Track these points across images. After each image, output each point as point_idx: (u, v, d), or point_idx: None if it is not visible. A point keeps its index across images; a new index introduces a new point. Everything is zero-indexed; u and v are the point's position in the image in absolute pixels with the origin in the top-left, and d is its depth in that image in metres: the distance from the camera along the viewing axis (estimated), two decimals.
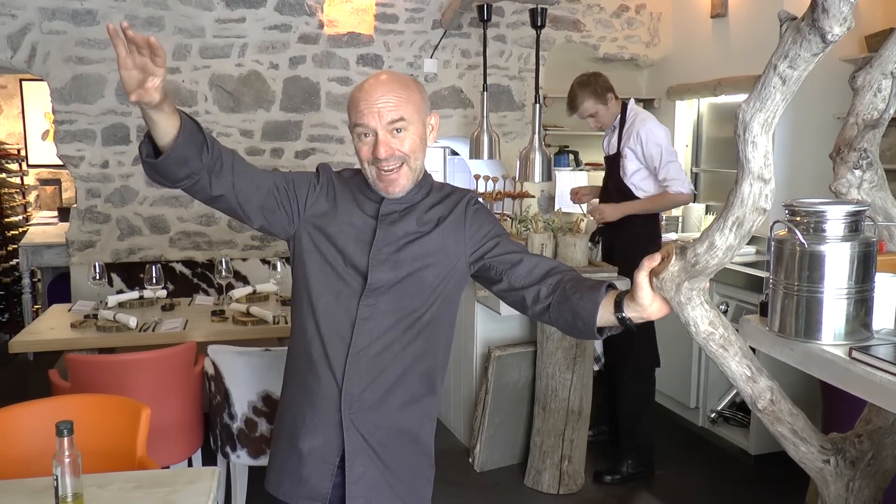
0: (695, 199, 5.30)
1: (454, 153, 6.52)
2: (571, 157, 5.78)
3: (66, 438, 1.55)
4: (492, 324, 3.90)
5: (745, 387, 1.51)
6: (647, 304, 1.46)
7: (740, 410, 4.17)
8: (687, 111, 5.34)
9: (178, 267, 4.68)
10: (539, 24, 3.99)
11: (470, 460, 3.84)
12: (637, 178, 3.70)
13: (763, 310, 1.56)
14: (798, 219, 1.41)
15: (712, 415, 4.20)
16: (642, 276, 1.45)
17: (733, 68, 4.66)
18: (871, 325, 1.39)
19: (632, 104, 3.76)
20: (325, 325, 1.67)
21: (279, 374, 2.95)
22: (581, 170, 5.78)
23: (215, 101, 4.69)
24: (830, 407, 2.93)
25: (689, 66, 5.20)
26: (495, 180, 4.54)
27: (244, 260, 4.75)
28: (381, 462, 1.70)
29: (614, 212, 3.72)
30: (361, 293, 1.65)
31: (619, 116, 3.74)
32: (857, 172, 1.61)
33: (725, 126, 5.16)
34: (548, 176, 4.22)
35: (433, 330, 1.72)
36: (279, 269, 3.78)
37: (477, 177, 4.76)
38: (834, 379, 1.31)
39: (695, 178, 5.33)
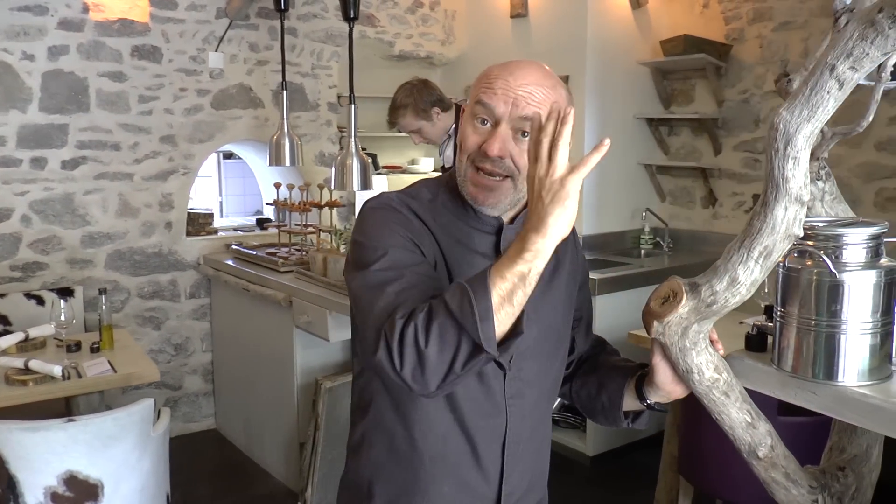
0: None
1: (228, 156, 5.87)
2: (369, 160, 5.47)
3: None
4: (311, 349, 3.52)
5: (743, 434, 1.33)
6: (667, 386, 1.30)
7: (569, 412, 4.15)
8: None
9: None
10: (352, 15, 3.60)
11: None
12: None
13: (750, 344, 1.38)
14: (811, 244, 1.23)
15: None
16: (658, 359, 1.27)
17: None
18: (892, 358, 1.26)
19: None
20: (469, 415, 1.27)
21: (87, 448, 2.36)
22: (379, 174, 5.50)
23: None
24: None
25: (487, 65, 5.10)
26: (303, 188, 4.09)
27: (2, 296, 3.80)
28: None
29: None
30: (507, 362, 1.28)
31: (453, 125, 3.43)
32: (819, 184, 1.49)
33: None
34: (366, 184, 3.85)
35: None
36: (55, 306, 2.95)
37: (278, 185, 4.29)
38: (880, 426, 1.15)
39: None
